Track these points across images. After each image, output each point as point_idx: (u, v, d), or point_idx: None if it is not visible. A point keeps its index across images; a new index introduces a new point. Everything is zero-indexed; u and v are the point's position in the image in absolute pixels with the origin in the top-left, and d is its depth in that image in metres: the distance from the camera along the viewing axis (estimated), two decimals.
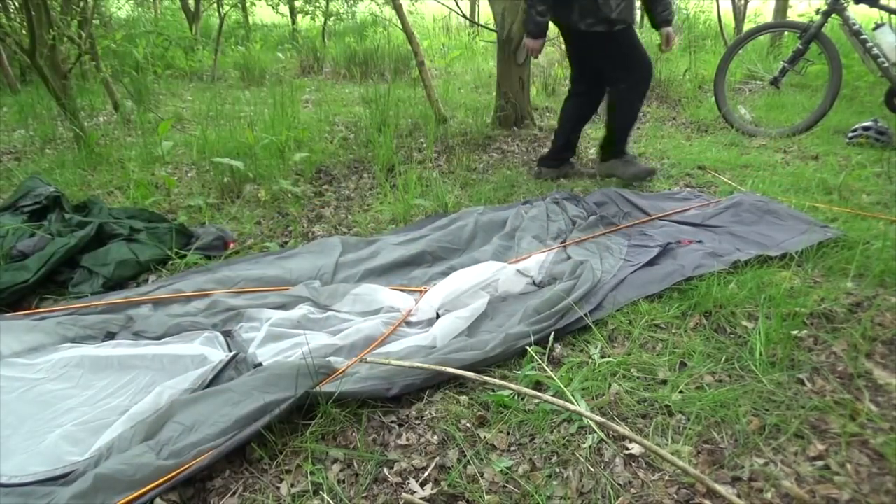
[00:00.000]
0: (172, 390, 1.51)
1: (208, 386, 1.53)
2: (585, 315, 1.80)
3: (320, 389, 1.46)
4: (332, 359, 1.65)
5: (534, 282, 2.10)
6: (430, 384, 1.56)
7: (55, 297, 2.05)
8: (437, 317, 1.89)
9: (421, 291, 2.05)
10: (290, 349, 1.70)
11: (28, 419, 1.45)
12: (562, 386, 1.52)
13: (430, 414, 1.48)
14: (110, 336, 1.78)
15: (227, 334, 1.80)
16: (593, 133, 4.12)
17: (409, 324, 1.89)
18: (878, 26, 3.62)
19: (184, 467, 1.25)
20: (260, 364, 1.62)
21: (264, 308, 1.92)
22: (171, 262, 2.28)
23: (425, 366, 1.53)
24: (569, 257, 2.23)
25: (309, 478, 1.30)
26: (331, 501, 1.24)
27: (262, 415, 1.36)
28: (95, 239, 2.25)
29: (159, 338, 1.78)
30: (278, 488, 1.28)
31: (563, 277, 2.04)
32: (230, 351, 1.70)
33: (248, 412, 1.36)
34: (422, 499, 1.23)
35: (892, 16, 3.68)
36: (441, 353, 1.65)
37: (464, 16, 5.14)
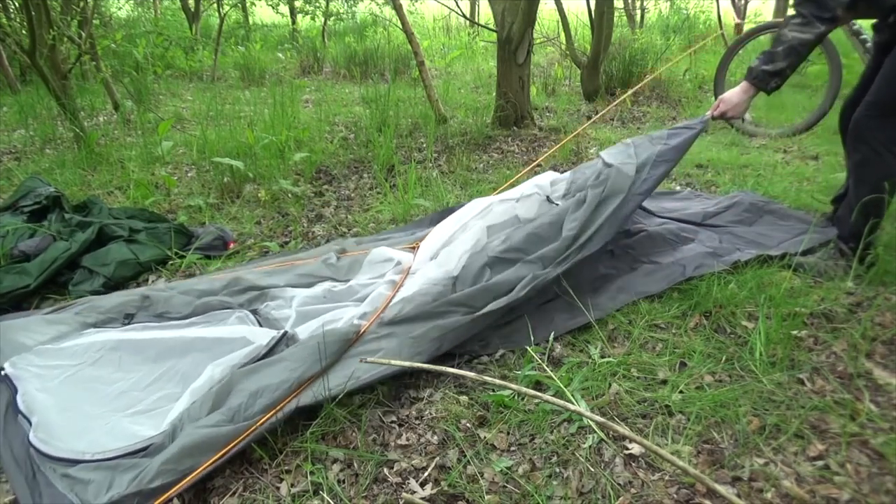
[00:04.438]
0: (223, 367, 1.54)
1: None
2: (588, 312, 1.80)
3: (365, 360, 1.54)
4: (359, 321, 1.73)
5: (548, 198, 2.01)
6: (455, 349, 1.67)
7: (56, 297, 2.06)
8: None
9: (413, 248, 2.12)
10: (328, 323, 1.75)
11: (81, 403, 1.48)
12: (562, 386, 1.52)
13: (430, 414, 1.48)
14: (129, 317, 1.80)
15: (254, 313, 1.84)
16: (594, 133, 4.12)
17: (412, 276, 1.96)
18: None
19: (253, 428, 1.33)
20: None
21: (287, 287, 1.97)
22: (171, 262, 2.28)
23: (425, 366, 1.53)
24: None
25: (309, 478, 1.30)
26: (331, 501, 1.24)
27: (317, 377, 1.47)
28: (95, 240, 2.25)
29: (186, 317, 1.81)
30: (278, 488, 1.28)
31: (588, 183, 1.92)
32: (260, 328, 1.75)
33: (304, 376, 1.46)
34: (422, 499, 1.23)
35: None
36: (465, 294, 1.74)
37: (464, 16, 5.14)
